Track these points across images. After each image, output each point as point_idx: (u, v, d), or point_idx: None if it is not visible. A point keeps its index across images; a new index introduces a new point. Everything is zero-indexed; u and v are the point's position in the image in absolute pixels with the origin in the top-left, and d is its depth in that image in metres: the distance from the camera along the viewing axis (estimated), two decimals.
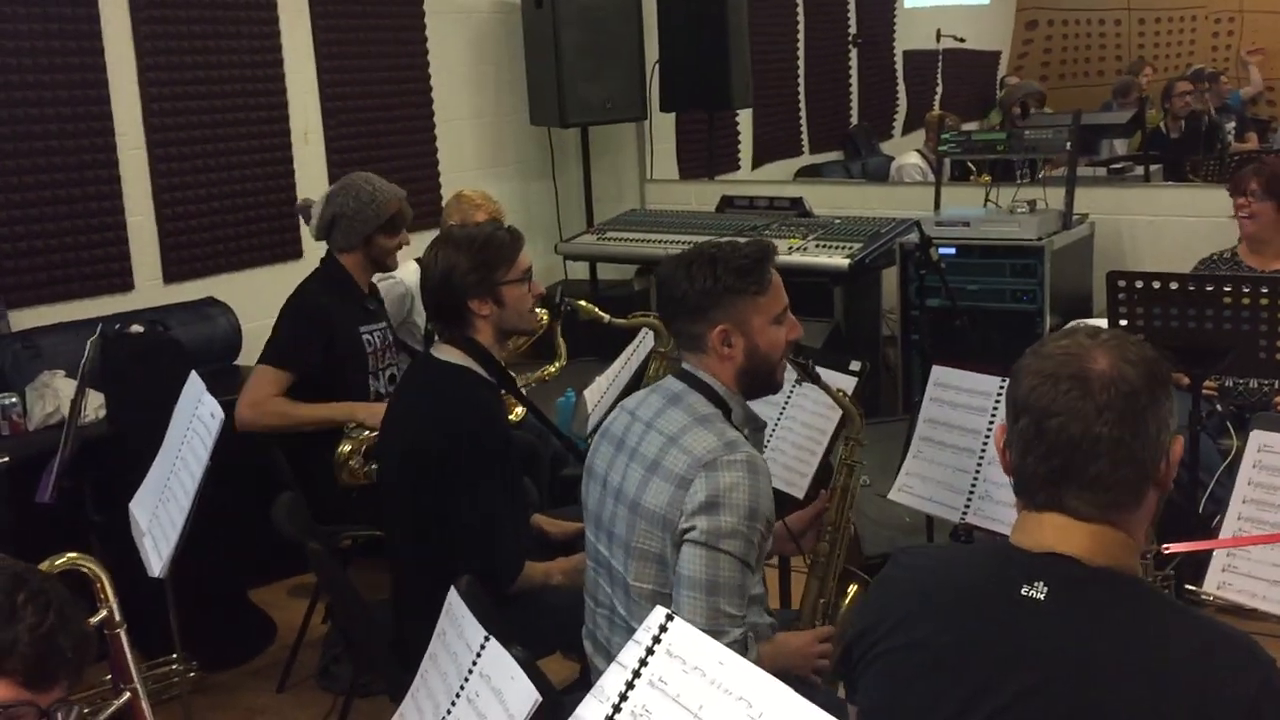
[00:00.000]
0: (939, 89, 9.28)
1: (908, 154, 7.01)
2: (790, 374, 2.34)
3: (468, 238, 2.60)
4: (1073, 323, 3.82)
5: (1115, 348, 1.44)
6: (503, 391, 2.70)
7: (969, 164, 6.03)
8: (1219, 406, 3.98)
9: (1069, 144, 4.63)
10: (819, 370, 2.45)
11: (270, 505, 3.29)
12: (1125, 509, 1.42)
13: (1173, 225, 4.87)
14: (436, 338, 2.72)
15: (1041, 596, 1.39)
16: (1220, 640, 1.35)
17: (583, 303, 3.26)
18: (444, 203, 4.58)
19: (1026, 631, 1.39)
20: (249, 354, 4.46)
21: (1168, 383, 1.45)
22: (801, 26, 7.71)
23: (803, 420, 2.92)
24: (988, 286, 4.51)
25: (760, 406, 2.28)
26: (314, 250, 3.66)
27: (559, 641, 2.62)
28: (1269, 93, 9.01)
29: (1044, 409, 1.43)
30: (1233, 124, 7.56)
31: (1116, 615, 1.37)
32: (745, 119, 7.14)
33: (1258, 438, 2.20)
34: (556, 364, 3.57)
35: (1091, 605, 1.38)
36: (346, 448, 3.17)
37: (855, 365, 2.88)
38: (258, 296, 4.60)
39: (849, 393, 2.65)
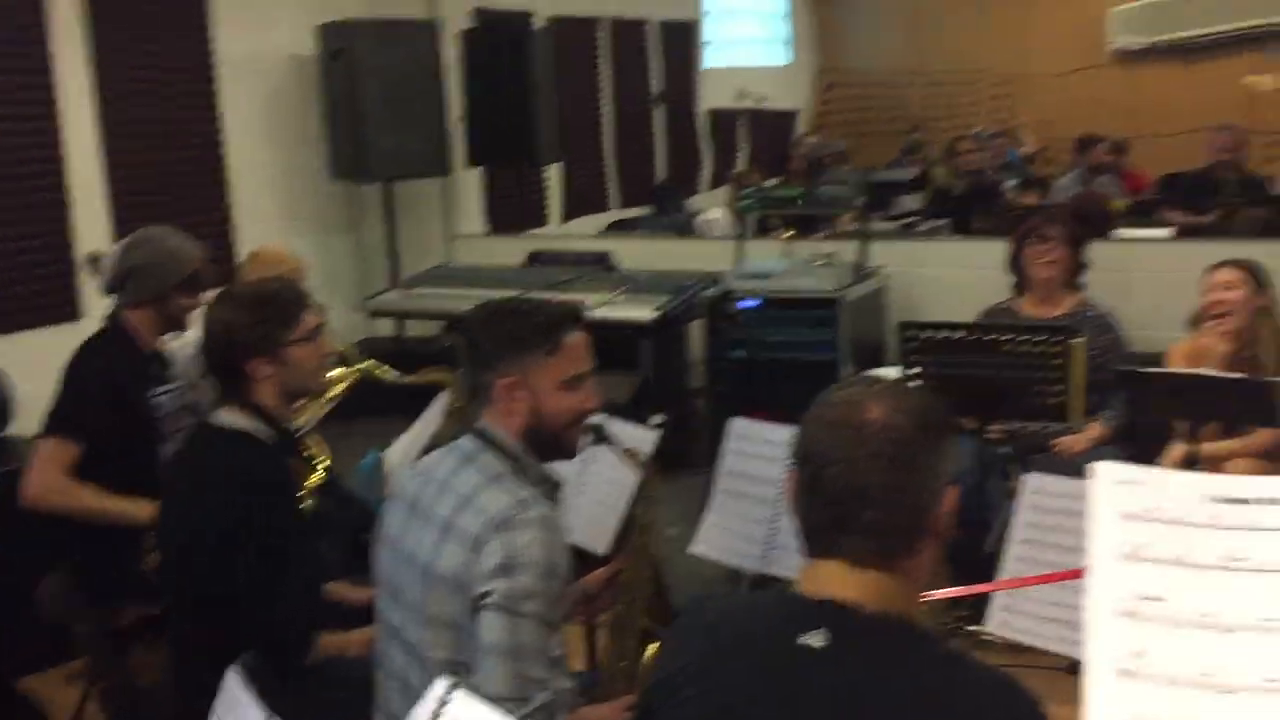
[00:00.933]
0: (743, 146, 9.57)
1: (713, 210, 7.19)
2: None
3: (250, 295, 2.50)
4: (867, 372, 3.94)
5: (890, 397, 1.47)
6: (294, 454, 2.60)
7: (773, 219, 6.21)
8: (1006, 450, 4.17)
9: (860, 200, 4.82)
10: (615, 427, 2.46)
11: (41, 583, 3.07)
12: (901, 555, 1.45)
13: (959, 277, 5.10)
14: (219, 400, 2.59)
15: (819, 644, 1.41)
16: (993, 686, 1.37)
17: (369, 362, 3.16)
18: (241, 261, 4.41)
19: (805, 679, 1.40)
20: (23, 423, 4.17)
21: (943, 431, 1.49)
22: (608, 84, 7.83)
23: (605, 476, 2.91)
24: (789, 338, 4.63)
25: (562, 464, 2.26)
26: (94, 311, 3.47)
27: (358, 716, 2.50)
28: (1045, 151, 9.63)
29: (821, 457, 1.46)
30: (1014, 181, 8.03)
31: (892, 661, 1.39)
32: (555, 174, 7.19)
33: (1031, 481, 2.31)
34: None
35: (868, 652, 1.40)
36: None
37: (656, 419, 2.90)
38: (31, 361, 4.31)
39: (650, 447, 2.66)
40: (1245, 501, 1.00)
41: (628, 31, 8.05)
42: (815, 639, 1.41)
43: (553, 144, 5.98)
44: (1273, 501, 0.99)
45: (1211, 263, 3.91)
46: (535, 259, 5.53)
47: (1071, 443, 4.07)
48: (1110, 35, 9.69)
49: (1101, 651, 0.96)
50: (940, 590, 1.90)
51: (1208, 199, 6.43)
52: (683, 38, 8.82)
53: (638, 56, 8.25)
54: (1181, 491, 1.02)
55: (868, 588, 1.43)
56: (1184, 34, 9.41)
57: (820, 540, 1.48)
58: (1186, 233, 6.09)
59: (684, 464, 4.34)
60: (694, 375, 5.19)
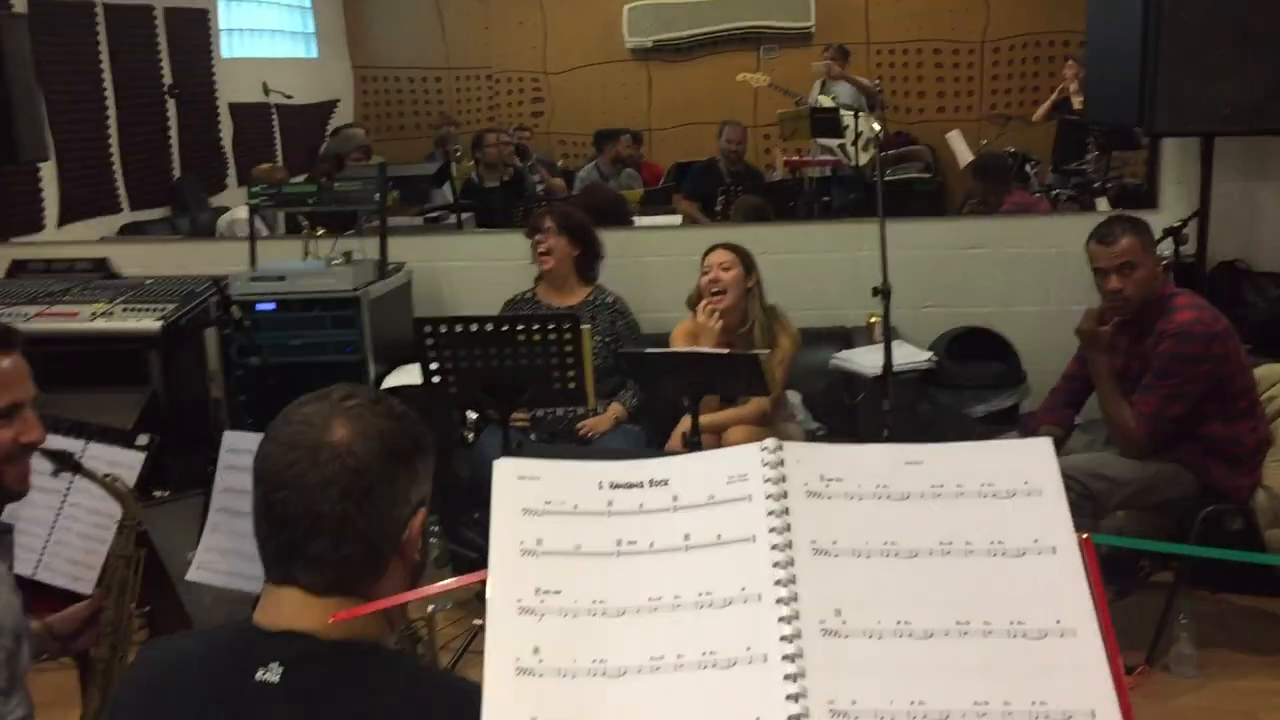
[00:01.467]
0: (276, 142, 9.15)
1: (239, 209, 6.77)
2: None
3: None
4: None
5: (356, 418, 1.39)
6: None
7: (300, 219, 5.93)
8: (533, 436, 4.26)
9: (377, 195, 4.73)
10: (94, 452, 2.23)
11: None
12: (362, 582, 1.39)
13: (486, 270, 5.15)
14: None
15: (276, 679, 1.32)
16: (452, 698, 1.35)
17: None
18: None
19: (259, 717, 1.31)
20: None
21: (410, 455, 1.41)
22: (108, 76, 7.15)
23: (89, 506, 2.62)
24: (311, 340, 4.44)
25: (40, 496, 2.00)
26: None
27: None
28: (573, 147, 10.05)
29: (273, 480, 1.38)
30: (539, 176, 8.25)
31: (349, 689, 1.33)
32: (50, 174, 6.45)
33: None
34: None
35: (325, 682, 1.33)
36: None
37: (143, 439, 2.66)
38: None
39: (134, 472, 2.44)
40: (639, 485, 1.03)
41: (129, 18, 7.40)
42: (273, 674, 1.32)
43: (37, 140, 5.35)
44: (657, 483, 1.02)
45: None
46: (20, 268, 4.93)
47: (595, 424, 4.25)
48: (625, 35, 10.26)
49: (499, 651, 0.94)
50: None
51: (712, 188, 6.97)
52: (195, 26, 8.26)
53: (145, 45, 7.61)
54: (580, 481, 1.03)
55: (325, 615, 1.35)
56: (681, 34, 10.15)
57: (277, 567, 1.39)
58: (695, 220, 6.55)
59: (204, 483, 4.05)
60: (216, 387, 4.86)
